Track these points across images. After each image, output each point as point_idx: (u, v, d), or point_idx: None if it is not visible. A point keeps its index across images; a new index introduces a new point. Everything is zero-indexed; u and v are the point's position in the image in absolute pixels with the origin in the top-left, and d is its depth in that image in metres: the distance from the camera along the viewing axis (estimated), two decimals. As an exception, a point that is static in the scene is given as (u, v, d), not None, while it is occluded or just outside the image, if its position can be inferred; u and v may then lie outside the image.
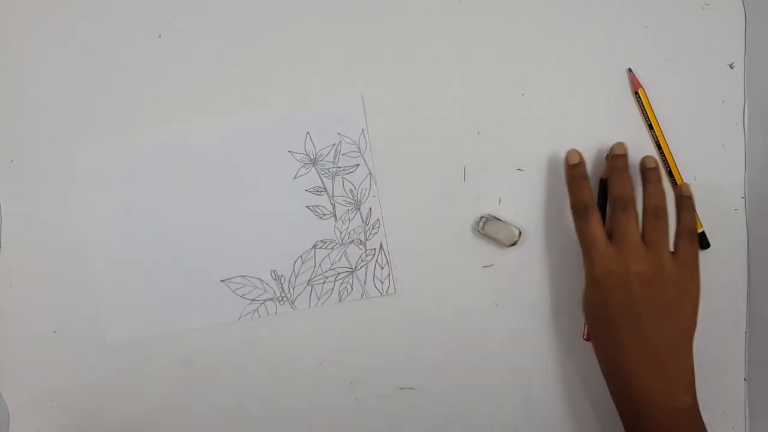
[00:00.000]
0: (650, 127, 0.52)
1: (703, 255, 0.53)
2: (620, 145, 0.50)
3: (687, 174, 0.53)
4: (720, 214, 0.53)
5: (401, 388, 0.54)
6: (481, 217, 0.52)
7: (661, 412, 0.45)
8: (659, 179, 0.50)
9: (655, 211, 0.48)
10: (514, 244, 0.52)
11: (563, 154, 0.52)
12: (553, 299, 0.53)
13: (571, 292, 0.53)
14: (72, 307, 0.53)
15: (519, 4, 0.53)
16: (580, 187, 0.49)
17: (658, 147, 0.52)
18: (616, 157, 0.50)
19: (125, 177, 0.53)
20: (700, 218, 0.53)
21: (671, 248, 0.48)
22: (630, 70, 0.53)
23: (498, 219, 0.52)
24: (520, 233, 0.52)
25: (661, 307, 0.46)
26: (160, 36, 0.53)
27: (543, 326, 0.53)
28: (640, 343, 0.45)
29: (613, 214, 0.48)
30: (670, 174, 0.52)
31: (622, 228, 0.47)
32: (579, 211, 0.49)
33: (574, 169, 0.50)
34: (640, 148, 0.53)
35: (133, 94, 0.53)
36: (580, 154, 0.50)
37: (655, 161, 0.51)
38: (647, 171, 0.50)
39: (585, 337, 0.53)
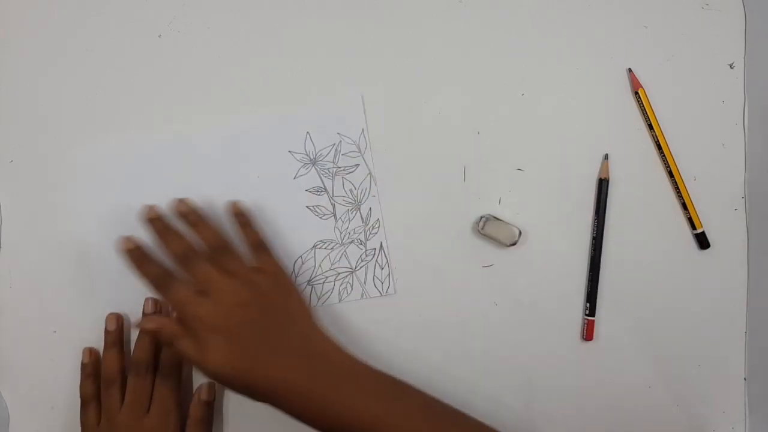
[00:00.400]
0: (650, 127, 0.52)
1: (704, 255, 0.53)
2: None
3: (687, 174, 0.53)
4: (720, 214, 0.53)
5: (401, 388, 0.54)
6: (481, 217, 0.52)
7: (347, 389, 0.44)
8: (201, 218, 0.50)
9: (218, 249, 0.48)
10: (514, 244, 0.52)
11: (563, 154, 0.52)
12: (553, 299, 0.53)
13: (571, 292, 0.53)
14: (72, 307, 0.53)
15: (519, 4, 0.53)
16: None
17: (658, 147, 0.52)
18: (156, 233, 0.48)
19: (125, 177, 0.53)
20: (701, 218, 0.53)
21: (251, 263, 0.49)
22: (630, 70, 0.53)
23: (498, 219, 0.52)
24: (520, 233, 0.52)
25: (278, 314, 0.46)
26: (160, 36, 0.53)
27: (543, 326, 0.53)
28: (285, 355, 0.45)
29: (188, 272, 0.46)
30: (670, 174, 0.52)
31: (202, 279, 0.46)
32: (177, 304, 0.45)
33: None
34: (640, 148, 0.53)
35: (133, 94, 0.53)
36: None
37: (188, 206, 0.50)
38: (187, 216, 0.50)
39: (585, 337, 0.53)
